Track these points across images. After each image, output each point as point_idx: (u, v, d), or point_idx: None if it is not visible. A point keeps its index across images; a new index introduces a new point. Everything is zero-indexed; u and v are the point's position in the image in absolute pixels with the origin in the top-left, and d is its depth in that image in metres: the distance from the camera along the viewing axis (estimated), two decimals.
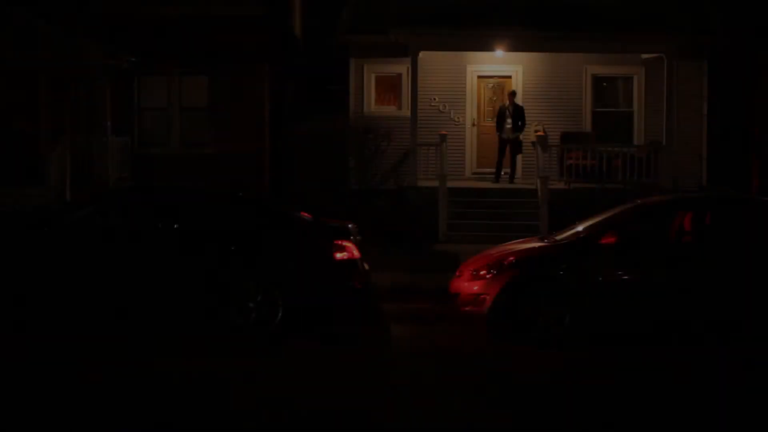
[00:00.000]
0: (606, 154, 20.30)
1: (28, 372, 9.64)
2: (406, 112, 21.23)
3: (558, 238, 11.89)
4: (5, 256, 11.34)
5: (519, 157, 21.30)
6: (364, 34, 21.72)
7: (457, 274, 11.94)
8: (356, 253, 11.49)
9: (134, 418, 8.10)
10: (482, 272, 11.34)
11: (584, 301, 10.95)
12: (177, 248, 11.39)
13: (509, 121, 20.91)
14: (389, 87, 22.44)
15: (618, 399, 8.82)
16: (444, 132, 20.45)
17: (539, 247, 11.70)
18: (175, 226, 11.74)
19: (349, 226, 11.88)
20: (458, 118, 22.30)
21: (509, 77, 22.39)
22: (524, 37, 20.46)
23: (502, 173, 21.19)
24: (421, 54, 20.46)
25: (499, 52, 20.92)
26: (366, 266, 11.83)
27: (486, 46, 20.78)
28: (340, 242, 11.41)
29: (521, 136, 21.15)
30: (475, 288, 11.31)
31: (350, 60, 22.29)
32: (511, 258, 11.35)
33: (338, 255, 11.35)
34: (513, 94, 21.26)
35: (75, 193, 18.35)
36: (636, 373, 9.83)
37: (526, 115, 21.15)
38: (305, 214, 12.07)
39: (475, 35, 20.39)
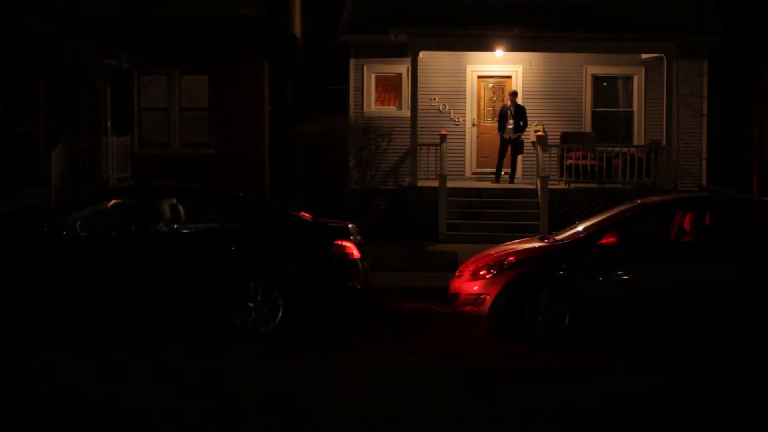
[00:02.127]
0: (606, 154, 20.31)
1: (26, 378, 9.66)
2: (406, 112, 21.23)
3: (558, 238, 11.88)
4: (4, 256, 11.34)
5: (519, 157, 21.29)
6: (364, 34, 21.73)
7: (457, 274, 11.94)
8: (356, 253, 11.49)
9: (135, 417, 8.11)
10: (482, 272, 11.34)
11: (584, 301, 10.95)
12: (176, 248, 11.39)
13: (511, 121, 20.90)
14: (389, 87, 22.44)
15: (618, 399, 8.81)
16: (444, 132, 20.46)
17: (539, 247, 11.69)
18: (175, 226, 11.76)
19: (349, 226, 11.87)
20: (458, 118, 22.30)
21: (509, 77, 22.39)
22: (524, 37, 20.45)
23: (503, 173, 21.19)
24: (421, 54, 20.46)
25: (499, 52, 20.91)
26: (366, 266, 11.83)
27: (486, 46, 20.77)
28: (340, 242, 11.40)
29: (522, 136, 21.15)
30: (475, 288, 11.31)
31: (350, 60, 22.30)
32: (511, 258, 11.34)
33: (338, 255, 11.34)
34: (514, 94, 21.26)
35: (75, 193, 18.34)
36: (636, 374, 9.82)
37: (527, 115, 21.15)
38: (305, 214, 12.07)
39: (475, 35, 20.38)
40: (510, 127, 20.93)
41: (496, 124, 21.38)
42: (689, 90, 21.73)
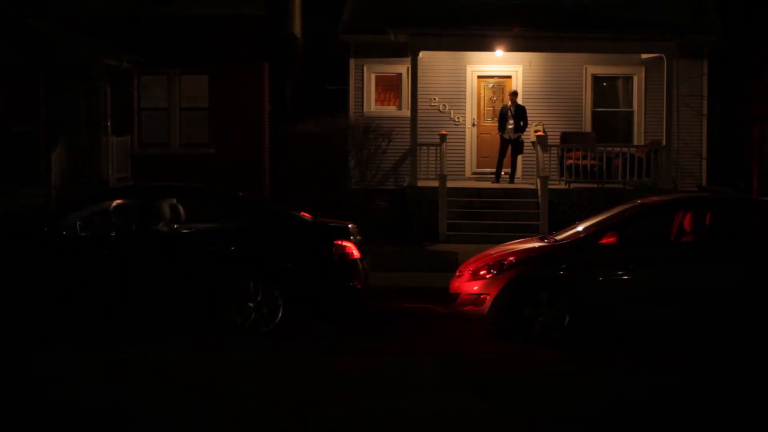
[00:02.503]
0: (606, 154, 20.31)
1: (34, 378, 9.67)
2: (406, 112, 21.24)
3: (558, 238, 11.88)
4: (4, 256, 11.34)
5: (519, 157, 21.30)
6: (364, 34, 21.74)
7: (457, 274, 11.94)
8: (356, 253, 11.48)
9: (136, 417, 8.11)
10: (482, 272, 11.34)
11: (584, 301, 10.95)
12: (176, 248, 11.39)
13: (511, 121, 20.92)
14: (389, 87, 22.44)
15: (617, 399, 8.81)
16: (444, 132, 20.47)
17: (539, 247, 11.69)
18: (175, 226, 11.76)
19: (349, 226, 11.87)
20: (458, 118, 22.30)
21: (509, 77, 22.39)
22: (524, 37, 20.46)
23: (502, 173, 21.19)
24: (421, 54, 20.46)
25: (499, 52, 20.91)
26: (366, 266, 11.82)
27: (486, 46, 20.77)
28: (340, 242, 11.40)
29: (522, 136, 21.15)
30: (475, 288, 11.31)
31: (350, 60, 22.30)
32: (511, 258, 11.34)
33: (338, 255, 11.34)
34: (514, 94, 21.25)
35: (75, 193, 18.35)
36: (636, 374, 9.82)
37: (527, 115, 21.15)
38: (305, 214, 12.06)
39: (475, 35, 20.39)
40: (510, 127, 20.93)
41: (496, 124, 21.40)
42: (689, 90, 21.73)
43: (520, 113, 20.99)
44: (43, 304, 11.34)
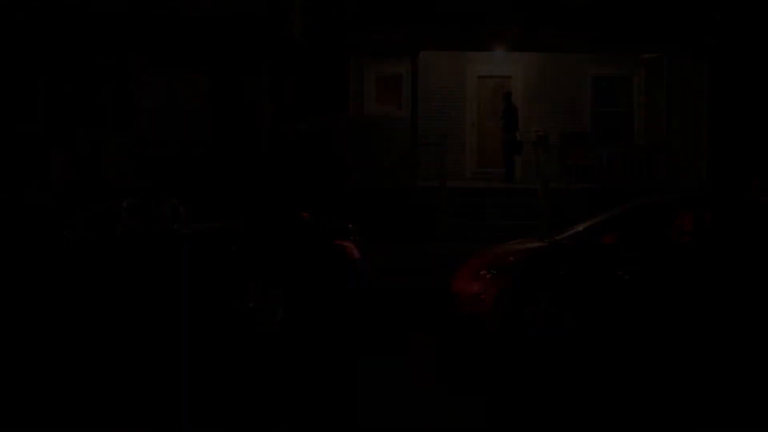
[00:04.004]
0: (606, 154, 20.31)
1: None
2: (406, 112, 21.24)
3: (558, 238, 11.88)
4: (7, 257, 11.34)
5: (518, 158, 21.30)
6: (364, 33, 21.73)
7: (457, 274, 11.93)
8: (356, 253, 11.50)
9: (134, 416, 8.11)
10: (482, 272, 11.34)
11: (584, 302, 10.95)
12: (176, 248, 11.39)
13: (502, 121, 21.02)
14: (389, 87, 22.44)
15: (618, 399, 8.81)
16: (444, 132, 20.46)
17: (539, 247, 11.69)
18: (175, 226, 11.76)
19: (349, 226, 11.87)
20: (458, 118, 22.29)
21: (509, 77, 22.39)
22: (524, 37, 20.47)
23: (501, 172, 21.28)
24: (422, 54, 20.46)
25: (499, 52, 20.91)
26: (366, 266, 11.82)
27: (486, 46, 20.78)
28: (340, 242, 11.41)
29: (520, 137, 21.14)
30: (475, 288, 11.30)
31: (350, 60, 22.29)
32: (511, 258, 11.35)
33: (338, 255, 11.34)
34: (506, 94, 21.29)
35: (75, 193, 18.34)
36: (636, 373, 9.82)
37: (520, 115, 21.19)
38: (305, 214, 12.07)
39: (475, 35, 20.40)
40: (502, 127, 21.02)
41: (496, 124, 21.42)
42: (689, 90, 21.73)
43: (510, 114, 21.02)
44: (41, 305, 11.33)
